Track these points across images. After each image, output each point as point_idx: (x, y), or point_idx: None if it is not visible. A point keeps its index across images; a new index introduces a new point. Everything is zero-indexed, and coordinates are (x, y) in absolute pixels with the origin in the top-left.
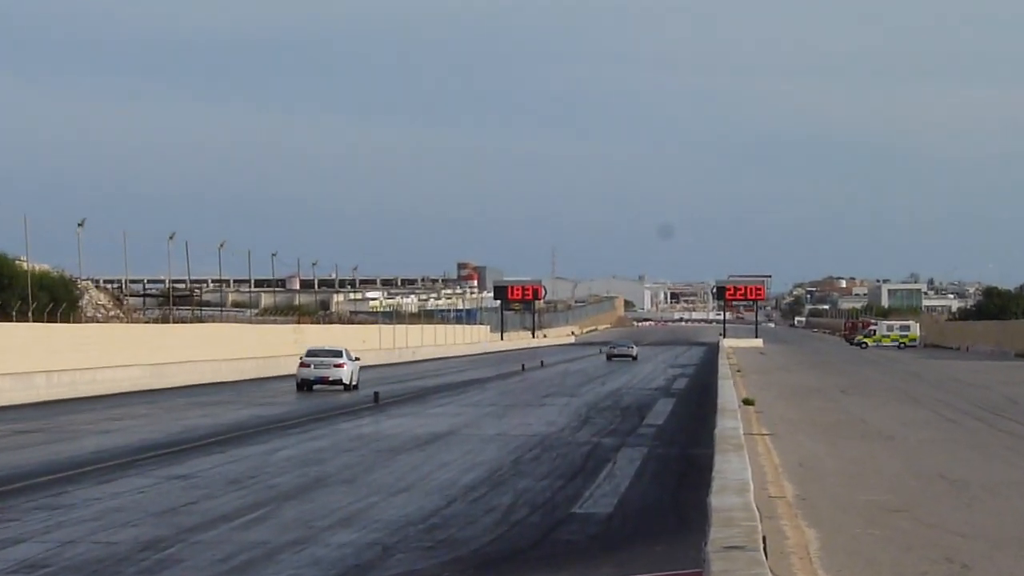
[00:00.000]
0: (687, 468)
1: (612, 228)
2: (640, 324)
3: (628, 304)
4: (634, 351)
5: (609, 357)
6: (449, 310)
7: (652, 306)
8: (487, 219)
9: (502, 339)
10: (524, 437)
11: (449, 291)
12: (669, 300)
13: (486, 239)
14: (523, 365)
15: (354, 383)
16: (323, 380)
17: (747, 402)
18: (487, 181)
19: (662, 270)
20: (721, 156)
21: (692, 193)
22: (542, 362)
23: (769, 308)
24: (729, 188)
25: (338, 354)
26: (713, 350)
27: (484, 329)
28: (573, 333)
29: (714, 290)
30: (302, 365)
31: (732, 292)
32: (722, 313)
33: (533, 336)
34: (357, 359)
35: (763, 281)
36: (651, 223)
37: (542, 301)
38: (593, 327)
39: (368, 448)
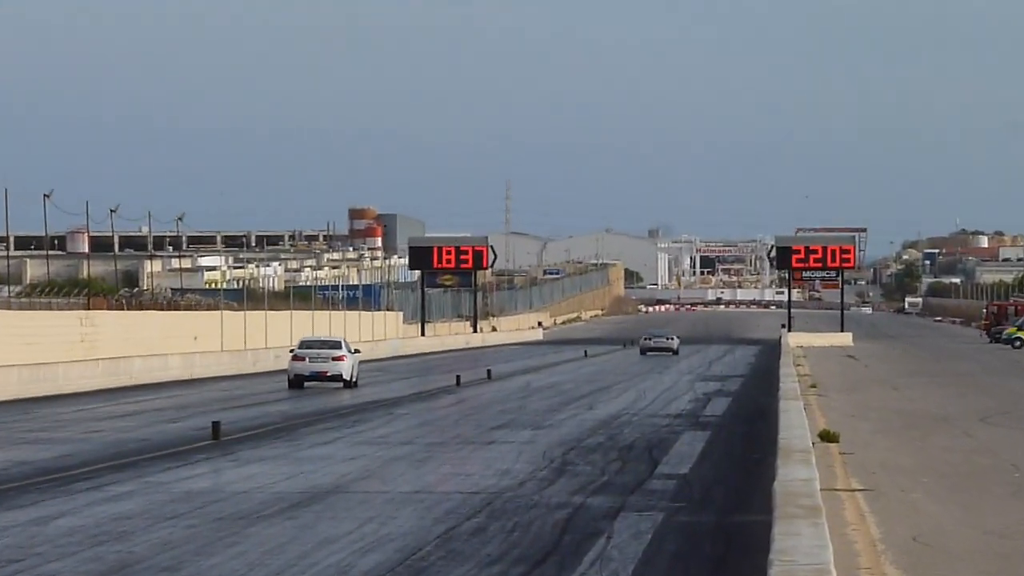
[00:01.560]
0: (727, 548)
1: (603, 152)
2: (651, 309)
3: (632, 276)
4: (675, 343)
5: (644, 351)
6: (336, 286)
7: (671, 279)
8: (398, 141)
9: (423, 334)
10: (460, 496)
11: (336, 255)
12: (699, 268)
13: (395, 172)
14: (458, 377)
15: (355, 379)
16: (320, 375)
17: (827, 437)
18: (396, 83)
19: (688, 220)
20: (782, 42)
21: (733, 102)
22: (489, 372)
23: (863, 282)
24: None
25: (337, 345)
26: (771, 351)
27: (394, 318)
28: (541, 324)
29: (771, 252)
30: (295, 359)
31: (802, 255)
32: (785, 290)
33: (476, 329)
34: (357, 351)
35: (853, 238)
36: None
37: (490, 271)
38: (574, 314)
39: (203, 515)
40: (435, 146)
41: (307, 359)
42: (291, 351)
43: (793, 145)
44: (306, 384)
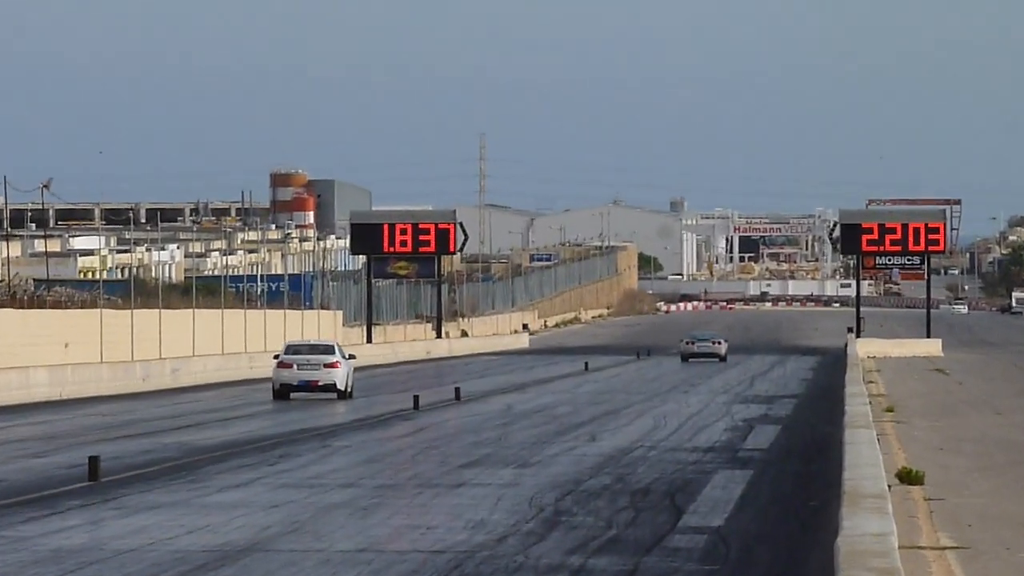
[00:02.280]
0: None
1: (609, 99)
2: (673, 308)
3: (648, 263)
4: (723, 348)
5: (685, 357)
6: (254, 276)
7: (701, 267)
8: (336, 86)
9: (370, 340)
10: (419, 556)
11: (254, 235)
12: (738, 253)
13: (333, 126)
14: (416, 398)
15: (349, 389)
16: (311, 385)
17: (908, 478)
18: (332, 9)
19: (722, 190)
20: None
21: (781, 33)
22: (458, 391)
23: (956, 272)
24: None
25: (329, 350)
26: (834, 364)
27: (331, 319)
28: (526, 327)
29: (834, 231)
30: (281, 365)
31: (875, 235)
32: (852, 282)
33: (440, 334)
34: (351, 356)
35: (943, 212)
36: (698, 90)
37: (459, 257)
38: (571, 313)
39: None
40: (385, 93)
41: (295, 366)
42: (275, 357)
43: (860, 92)
44: (292, 395)
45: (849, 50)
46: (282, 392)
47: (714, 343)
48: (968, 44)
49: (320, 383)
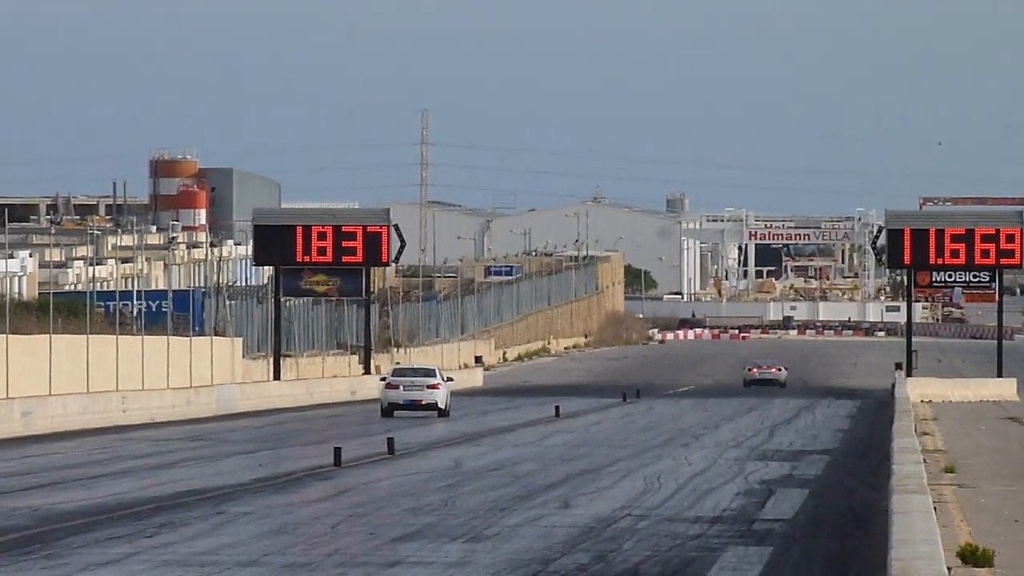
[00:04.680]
0: None
1: (587, 70)
2: (671, 336)
3: (638, 278)
4: (782, 375)
5: (747, 383)
6: (128, 292)
7: (706, 283)
8: (235, 50)
9: (278, 376)
10: None
11: (128, 239)
12: (753, 266)
13: (230, 101)
14: (338, 451)
15: (448, 408)
16: (415, 404)
17: (974, 558)
18: None
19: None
20: None
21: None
22: (391, 442)
23: None
24: None
25: (432, 373)
26: (877, 409)
27: (227, 348)
28: (480, 360)
29: (878, 239)
30: (388, 387)
31: (931, 245)
32: (902, 304)
33: (369, 369)
34: (450, 379)
35: (1020, 215)
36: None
37: (394, 269)
38: (538, 343)
39: None
40: (299, 58)
41: (401, 387)
42: (382, 379)
43: (912, 60)
44: (396, 413)
45: (892, 14)
46: (388, 410)
47: (773, 368)
48: None
49: (423, 402)
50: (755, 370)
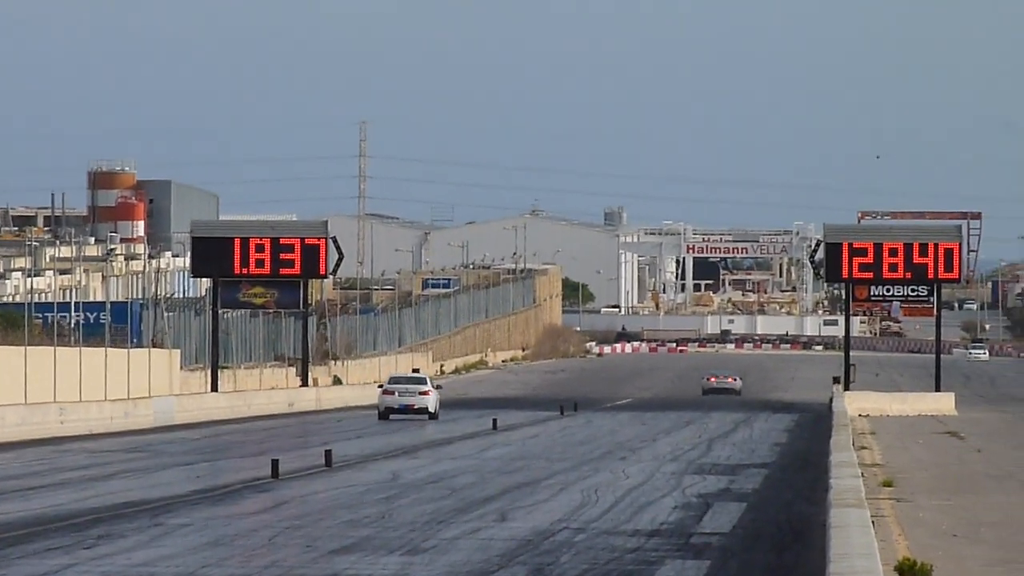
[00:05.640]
0: None
1: (527, 85)
2: (608, 350)
3: (576, 292)
4: (738, 384)
5: (705, 391)
6: (66, 303)
7: (643, 297)
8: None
9: (215, 388)
10: None
11: (66, 251)
12: (691, 279)
13: (169, 112)
14: (275, 463)
15: (437, 412)
16: (408, 408)
17: (911, 572)
18: None
19: (670, 200)
20: None
21: (742, 11)
22: (329, 454)
23: (975, 306)
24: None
25: (423, 381)
26: (815, 423)
27: (165, 360)
28: (418, 372)
29: (816, 252)
30: (385, 393)
31: (869, 258)
32: (840, 318)
33: (306, 381)
34: (439, 386)
35: (959, 230)
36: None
37: (332, 282)
38: (476, 355)
39: None
40: (238, 71)
41: (396, 393)
42: (380, 386)
43: (850, 77)
44: (392, 416)
45: (835, 31)
46: (385, 414)
47: (732, 379)
48: (989, 26)
49: (415, 406)
50: (713, 379)
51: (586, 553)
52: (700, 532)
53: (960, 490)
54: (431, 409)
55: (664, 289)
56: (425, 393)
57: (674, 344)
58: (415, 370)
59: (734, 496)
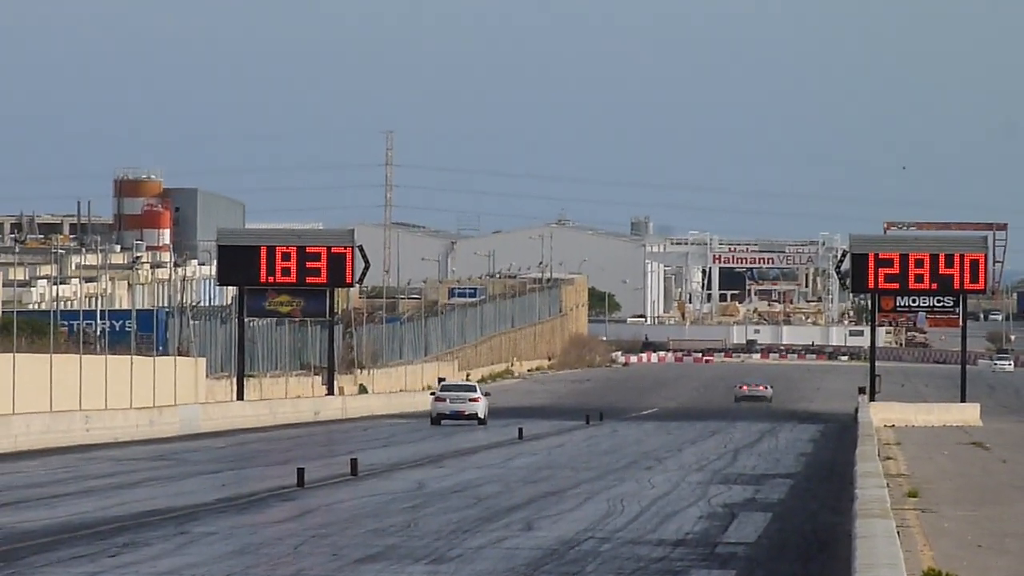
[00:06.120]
0: None
1: (552, 94)
2: (633, 360)
3: (602, 301)
4: (769, 392)
5: (737, 399)
6: (92, 311)
7: (669, 306)
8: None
9: (241, 396)
10: None
11: (92, 259)
12: (717, 290)
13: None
14: (301, 472)
15: (486, 418)
16: (459, 415)
17: None
18: None
19: (697, 210)
20: None
21: (769, 22)
22: (355, 463)
23: (1001, 316)
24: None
25: (472, 388)
26: (841, 434)
27: (191, 368)
28: (444, 382)
29: (842, 263)
30: (437, 400)
31: (895, 269)
32: (866, 329)
33: (332, 390)
34: (487, 394)
35: (984, 240)
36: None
37: (358, 291)
38: (502, 365)
39: None
40: (264, 79)
41: (448, 400)
42: (432, 393)
43: (876, 87)
44: (444, 422)
45: (860, 38)
46: (437, 419)
47: (763, 388)
48: (1018, 35)
49: (466, 412)
50: (745, 388)
51: (612, 563)
52: (725, 542)
53: (985, 501)
54: (480, 415)
55: (690, 299)
56: (475, 400)
57: (700, 354)
58: (504, 373)
59: (759, 506)
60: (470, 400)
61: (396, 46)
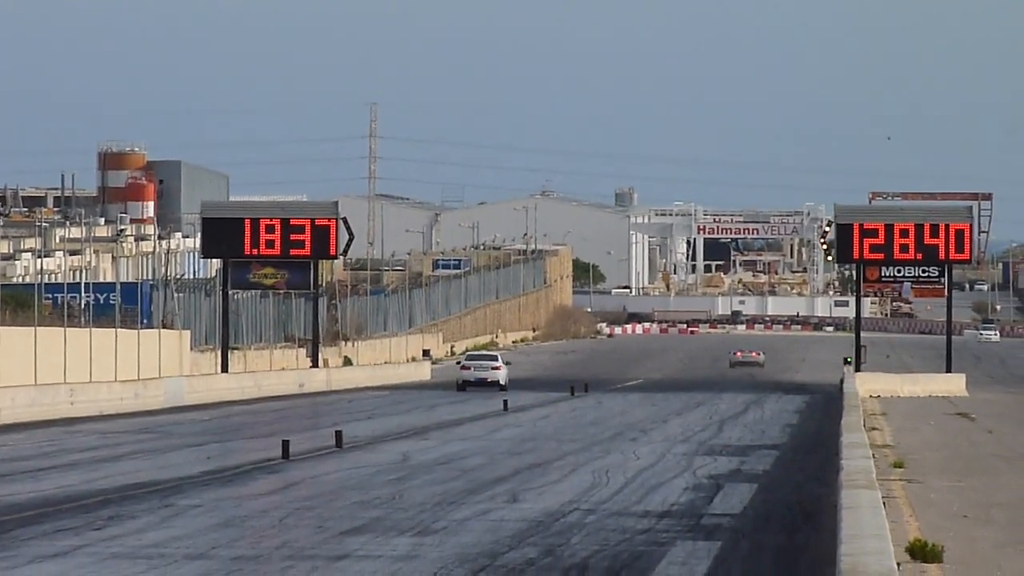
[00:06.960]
0: None
1: (534, 65)
2: (618, 332)
3: (586, 272)
4: (761, 358)
5: (732, 364)
6: (76, 284)
7: (654, 277)
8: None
9: (226, 369)
10: None
11: (76, 232)
12: (702, 260)
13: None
14: (286, 444)
15: (507, 385)
16: (483, 381)
17: (923, 554)
18: None
19: (682, 181)
20: None
21: None
22: (339, 435)
23: (986, 287)
24: None
25: (495, 358)
26: (826, 404)
27: (175, 340)
28: (428, 353)
29: (827, 233)
30: (463, 368)
31: (880, 239)
32: (851, 299)
33: (317, 362)
34: (508, 363)
35: (969, 211)
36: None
37: (342, 262)
38: (486, 336)
39: None
40: (247, 52)
41: (472, 368)
42: (458, 363)
43: (861, 57)
44: (468, 388)
45: (844, 10)
46: (463, 386)
47: (755, 353)
48: (1004, 5)
49: (489, 380)
50: (739, 354)
51: (596, 534)
52: (711, 513)
53: (971, 471)
54: (502, 382)
55: (675, 270)
56: (497, 368)
57: (685, 325)
58: (488, 345)
59: (745, 477)
60: (492, 368)
61: (380, 18)
